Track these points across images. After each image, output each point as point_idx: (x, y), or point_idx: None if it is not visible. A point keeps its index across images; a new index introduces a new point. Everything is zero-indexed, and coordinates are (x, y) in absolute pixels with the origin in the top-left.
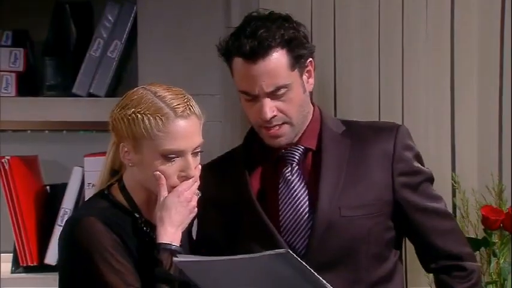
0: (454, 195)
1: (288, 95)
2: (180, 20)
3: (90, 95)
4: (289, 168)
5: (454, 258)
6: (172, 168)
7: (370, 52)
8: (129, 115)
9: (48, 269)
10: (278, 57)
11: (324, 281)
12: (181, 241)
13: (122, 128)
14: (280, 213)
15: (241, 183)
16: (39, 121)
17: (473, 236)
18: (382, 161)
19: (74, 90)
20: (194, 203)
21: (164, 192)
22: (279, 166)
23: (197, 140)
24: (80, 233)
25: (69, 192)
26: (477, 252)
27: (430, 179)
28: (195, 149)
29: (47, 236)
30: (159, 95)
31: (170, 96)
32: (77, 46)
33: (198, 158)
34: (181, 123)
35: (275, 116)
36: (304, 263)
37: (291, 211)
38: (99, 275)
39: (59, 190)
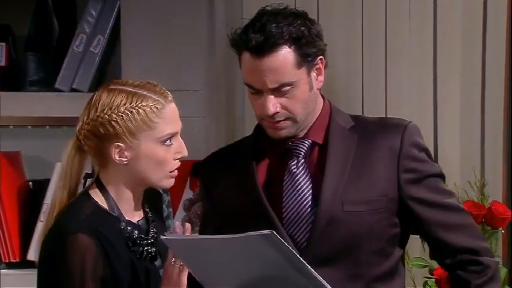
0: None
1: (292, 92)
2: (164, 16)
3: (73, 90)
4: (295, 161)
5: (469, 252)
6: (170, 152)
7: (353, 49)
8: (123, 112)
9: (30, 265)
10: (284, 55)
11: (309, 266)
12: None
13: (114, 128)
14: (283, 205)
15: (248, 173)
16: (21, 116)
17: None
18: (388, 157)
19: (57, 86)
20: None
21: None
22: (285, 159)
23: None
24: (66, 253)
25: (52, 188)
26: None
27: (439, 175)
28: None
29: (30, 232)
30: (140, 87)
31: (149, 85)
32: (60, 41)
33: None
34: (172, 106)
35: (277, 112)
36: (289, 247)
37: (294, 204)
38: None
39: (41, 186)
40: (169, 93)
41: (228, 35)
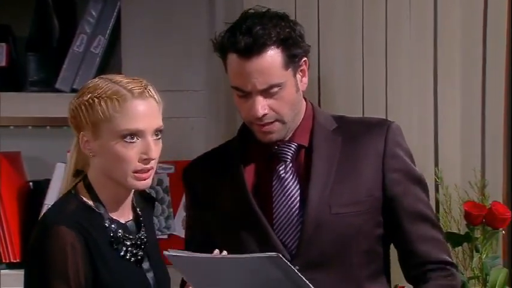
0: (437, 190)
1: (280, 93)
2: (164, 16)
3: (74, 90)
4: (283, 166)
5: (438, 263)
6: (133, 151)
7: (353, 50)
8: (86, 101)
9: None
10: (272, 56)
11: (311, 286)
12: None
13: (80, 116)
14: (273, 210)
15: (236, 178)
16: (22, 117)
17: (455, 232)
18: (373, 158)
19: (57, 86)
20: None
21: None
22: (272, 162)
23: (156, 122)
24: (48, 244)
25: (52, 188)
26: (459, 248)
27: (421, 183)
28: (155, 131)
29: (30, 232)
30: (115, 80)
31: (127, 80)
32: (60, 41)
33: (160, 143)
34: (139, 103)
35: (266, 114)
36: (293, 268)
37: (284, 209)
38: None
39: (42, 186)
40: (149, 92)
41: (211, 39)
